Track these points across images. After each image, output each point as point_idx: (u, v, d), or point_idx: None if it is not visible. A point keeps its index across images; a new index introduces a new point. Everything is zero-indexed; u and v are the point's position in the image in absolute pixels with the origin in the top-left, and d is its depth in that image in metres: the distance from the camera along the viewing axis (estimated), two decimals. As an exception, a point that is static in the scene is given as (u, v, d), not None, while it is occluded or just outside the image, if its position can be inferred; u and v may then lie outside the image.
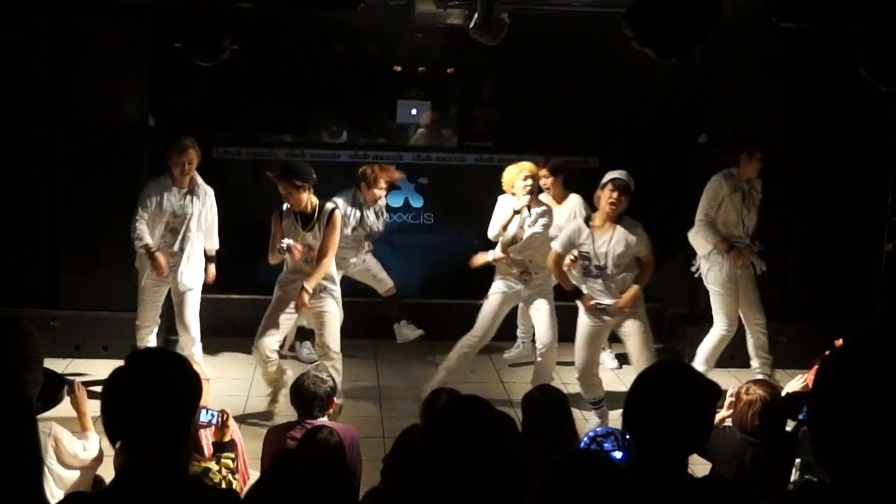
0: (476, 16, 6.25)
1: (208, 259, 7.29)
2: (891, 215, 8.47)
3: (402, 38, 10.33)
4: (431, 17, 8.69)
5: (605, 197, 6.54)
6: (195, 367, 6.84)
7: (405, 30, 9.76)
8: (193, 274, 7.14)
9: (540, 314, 7.06)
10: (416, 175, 9.26)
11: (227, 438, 4.58)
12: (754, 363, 7.54)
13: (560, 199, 7.79)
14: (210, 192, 7.19)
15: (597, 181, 8.44)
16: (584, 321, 6.78)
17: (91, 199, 7.85)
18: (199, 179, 7.13)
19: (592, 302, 6.66)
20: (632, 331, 6.75)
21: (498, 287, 7.12)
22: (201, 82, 8.59)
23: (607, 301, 6.66)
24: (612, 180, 6.54)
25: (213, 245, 7.31)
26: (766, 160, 7.36)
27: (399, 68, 10.75)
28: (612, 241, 6.59)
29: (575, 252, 6.61)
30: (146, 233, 6.98)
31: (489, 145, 9.61)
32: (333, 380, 5.10)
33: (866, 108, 7.97)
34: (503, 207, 7.04)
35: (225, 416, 4.57)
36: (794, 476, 4.78)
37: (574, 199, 7.80)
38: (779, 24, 5.42)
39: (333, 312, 6.81)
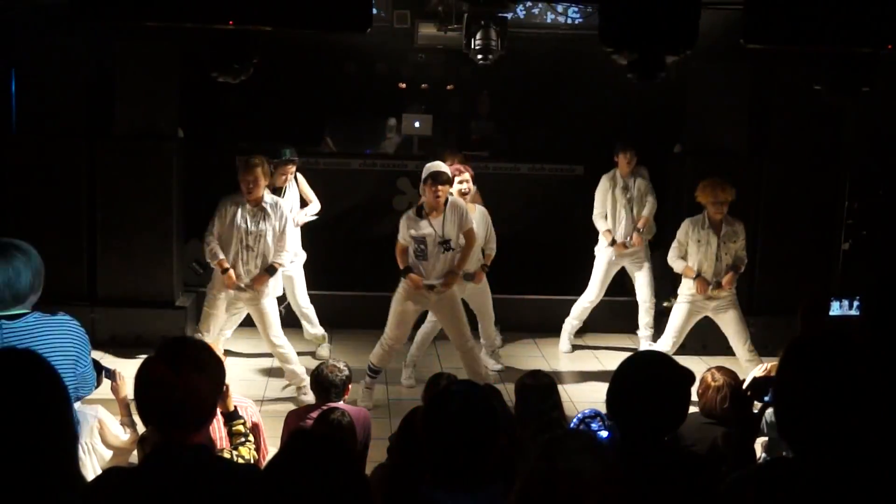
0: (471, 38, 6.24)
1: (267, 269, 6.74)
2: (847, 217, 8.48)
3: (406, 58, 10.35)
4: (432, 40, 8.72)
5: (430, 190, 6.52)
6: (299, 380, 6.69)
7: (409, 50, 9.78)
8: (271, 288, 6.80)
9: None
10: (418, 182, 9.23)
11: (231, 408, 4.51)
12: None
13: None
14: (279, 203, 6.80)
15: (582, 188, 8.46)
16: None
17: (126, 204, 7.84)
18: (270, 197, 6.75)
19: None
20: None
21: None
22: (226, 98, 8.59)
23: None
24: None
25: (278, 259, 6.77)
26: (734, 167, 7.37)
27: (403, 85, 10.77)
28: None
29: None
30: (218, 249, 6.65)
31: (485, 154, 9.62)
32: (349, 369, 5.07)
33: (825, 120, 7.97)
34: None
35: (225, 388, 4.48)
36: (760, 454, 4.79)
37: None
38: (746, 46, 5.42)
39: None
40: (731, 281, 6.99)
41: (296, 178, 7.60)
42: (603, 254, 7.99)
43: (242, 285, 6.67)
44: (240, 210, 6.65)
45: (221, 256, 6.65)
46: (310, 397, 6.72)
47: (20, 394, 2.07)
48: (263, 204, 6.69)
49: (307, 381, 6.74)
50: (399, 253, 6.76)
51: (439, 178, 6.48)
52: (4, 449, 2.01)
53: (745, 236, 7.10)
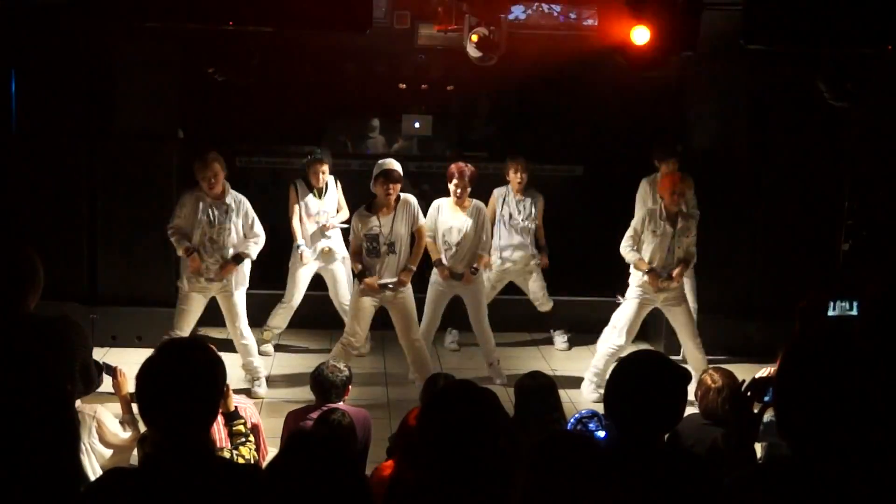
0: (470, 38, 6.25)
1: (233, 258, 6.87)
2: (847, 218, 8.48)
3: (406, 59, 10.35)
4: (432, 40, 8.73)
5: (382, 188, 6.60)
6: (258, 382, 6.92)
7: (409, 51, 9.79)
8: (238, 280, 6.92)
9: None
10: (419, 182, 9.26)
11: (231, 408, 4.51)
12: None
13: None
14: (243, 200, 6.89)
15: (582, 187, 8.44)
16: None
17: (126, 203, 7.86)
18: (231, 191, 6.85)
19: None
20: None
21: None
22: (226, 98, 8.59)
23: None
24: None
25: (247, 249, 6.88)
26: (734, 167, 7.38)
27: (403, 86, 10.77)
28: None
29: None
30: (181, 236, 6.77)
31: (485, 155, 9.62)
32: (349, 369, 5.08)
33: (824, 121, 7.97)
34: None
35: (226, 388, 4.47)
36: (759, 456, 4.79)
37: None
38: (746, 47, 5.44)
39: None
40: (681, 274, 6.97)
41: (336, 181, 7.72)
42: None
43: (208, 276, 6.81)
44: (201, 204, 6.76)
45: (186, 244, 6.78)
46: (262, 390, 7.02)
47: (21, 394, 2.08)
48: (227, 199, 6.80)
49: (263, 373, 7.12)
50: (352, 253, 6.91)
51: (390, 176, 6.59)
52: (5, 449, 2.02)
53: (697, 232, 7.01)
